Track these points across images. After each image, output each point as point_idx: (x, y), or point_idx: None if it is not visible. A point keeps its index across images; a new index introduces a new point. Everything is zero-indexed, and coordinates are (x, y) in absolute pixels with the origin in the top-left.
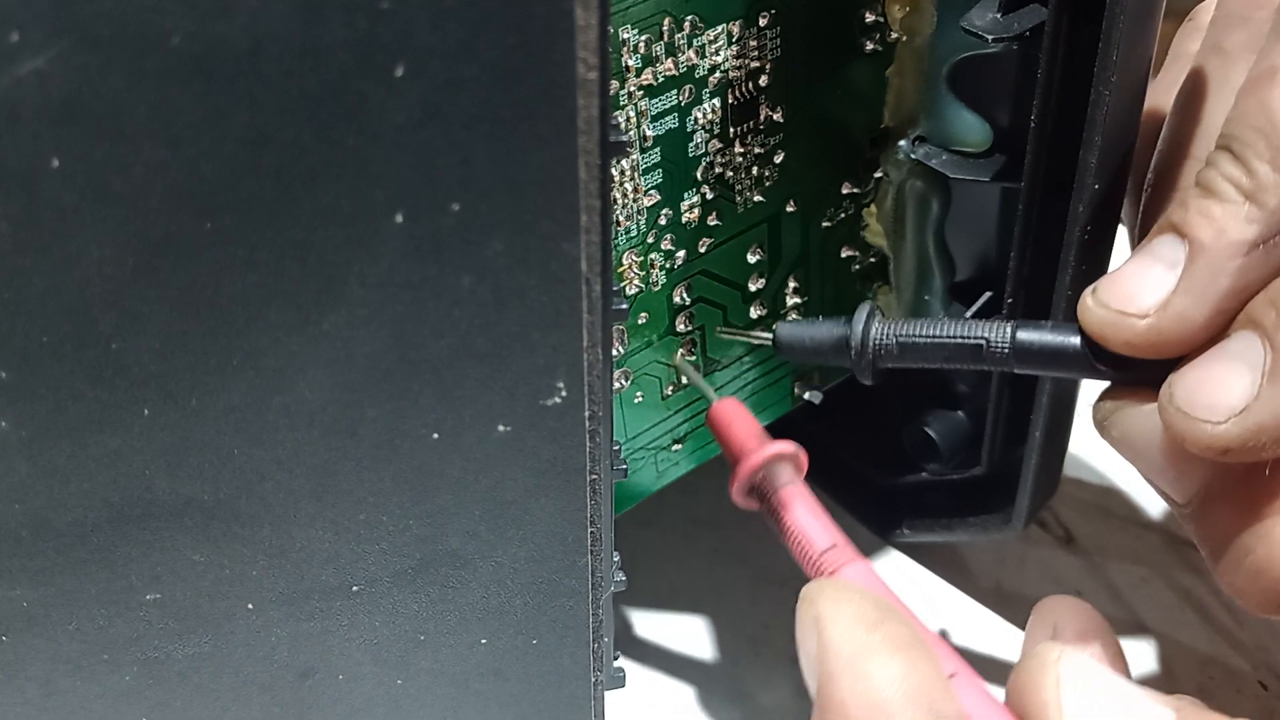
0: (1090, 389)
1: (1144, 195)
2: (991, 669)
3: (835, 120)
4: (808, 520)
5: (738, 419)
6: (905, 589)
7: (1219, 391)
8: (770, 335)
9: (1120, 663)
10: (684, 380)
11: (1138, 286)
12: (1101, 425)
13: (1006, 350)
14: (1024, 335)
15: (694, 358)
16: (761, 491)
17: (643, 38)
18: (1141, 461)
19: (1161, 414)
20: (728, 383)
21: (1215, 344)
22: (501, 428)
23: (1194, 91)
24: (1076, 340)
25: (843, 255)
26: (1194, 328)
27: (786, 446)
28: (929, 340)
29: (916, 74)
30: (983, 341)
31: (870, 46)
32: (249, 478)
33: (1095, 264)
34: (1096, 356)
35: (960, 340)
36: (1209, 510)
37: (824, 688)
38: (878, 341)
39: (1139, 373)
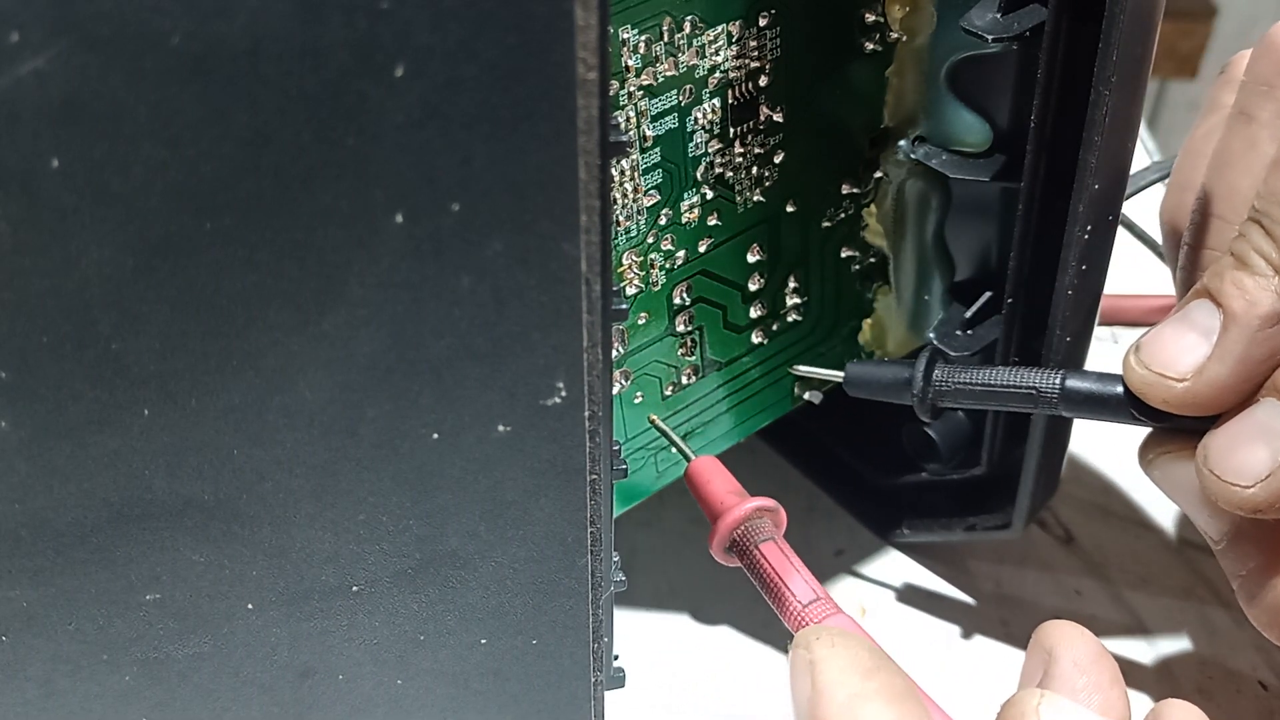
0: None
1: (1182, 250)
2: (991, 670)
3: (835, 120)
4: (790, 575)
5: (715, 476)
6: (905, 589)
7: (1247, 459)
8: (841, 374)
9: (1117, 689)
10: (684, 380)
11: (1176, 352)
12: (1145, 466)
13: (1055, 396)
14: (1072, 384)
15: (694, 356)
16: (742, 547)
17: (643, 38)
18: (1181, 500)
19: (1197, 472)
20: (729, 381)
21: (1248, 404)
22: (501, 428)
23: (1224, 155)
24: (1120, 390)
25: (842, 255)
26: (1227, 391)
27: (765, 501)
28: (984, 386)
29: (916, 74)
30: (1033, 390)
31: (870, 46)
32: (249, 478)
33: (1095, 264)
34: (1137, 407)
35: (1013, 387)
36: (1239, 548)
37: None
38: (938, 384)
39: (1178, 422)
